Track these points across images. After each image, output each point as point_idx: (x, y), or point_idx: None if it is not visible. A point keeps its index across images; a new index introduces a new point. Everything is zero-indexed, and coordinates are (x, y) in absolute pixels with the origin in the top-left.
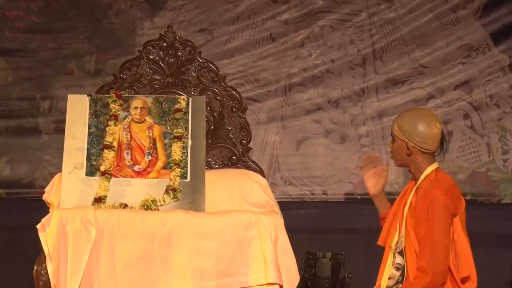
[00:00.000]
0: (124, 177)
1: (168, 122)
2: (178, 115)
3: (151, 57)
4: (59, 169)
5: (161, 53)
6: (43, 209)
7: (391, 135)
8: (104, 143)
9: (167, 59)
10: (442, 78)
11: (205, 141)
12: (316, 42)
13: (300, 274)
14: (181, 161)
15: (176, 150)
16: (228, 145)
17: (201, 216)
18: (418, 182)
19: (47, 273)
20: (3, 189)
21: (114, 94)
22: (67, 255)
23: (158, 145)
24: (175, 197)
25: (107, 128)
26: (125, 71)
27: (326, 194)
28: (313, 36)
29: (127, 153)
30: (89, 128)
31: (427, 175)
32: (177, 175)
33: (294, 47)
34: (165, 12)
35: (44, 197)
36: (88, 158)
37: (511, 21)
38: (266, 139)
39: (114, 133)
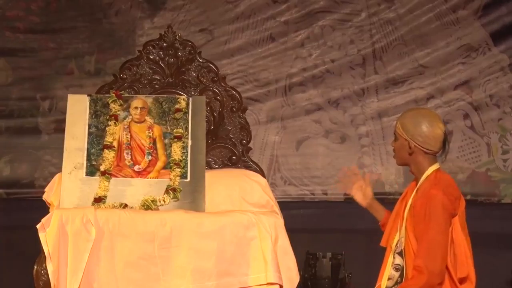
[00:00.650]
0: (124, 177)
1: (168, 122)
2: (178, 115)
3: (151, 57)
4: (59, 169)
5: (161, 53)
6: (43, 209)
7: (394, 133)
8: (104, 143)
9: (167, 59)
10: (442, 78)
11: (205, 141)
12: (316, 42)
13: (300, 274)
14: (181, 161)
15: (176, 150)
16: (228, 145)
17: (201, 216)
18: (419, 183)
19: (47, 273)
20: (3, 189)
21: (114, 94)
22: (67, 255)
23: (158, 145)
24: (175, 197)
25: (107, 128)
26: (125, 71)
27: (326, 194)
28: (313, 36)
29: (127, 153)
30: (89, 128)
31: (428, 175)
32: (177, 175)
33: (294, 47)
34: (165, 12)
35: (44, 197)
36: (88, 158)
37: (511, 21)
38: (266, 139)
39: (114, 133)
